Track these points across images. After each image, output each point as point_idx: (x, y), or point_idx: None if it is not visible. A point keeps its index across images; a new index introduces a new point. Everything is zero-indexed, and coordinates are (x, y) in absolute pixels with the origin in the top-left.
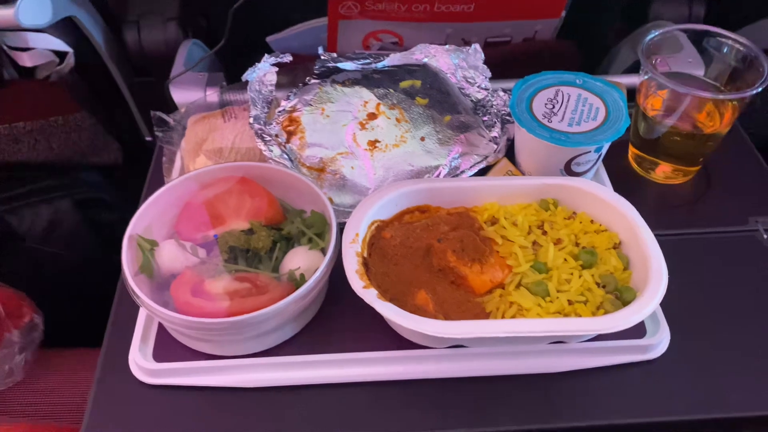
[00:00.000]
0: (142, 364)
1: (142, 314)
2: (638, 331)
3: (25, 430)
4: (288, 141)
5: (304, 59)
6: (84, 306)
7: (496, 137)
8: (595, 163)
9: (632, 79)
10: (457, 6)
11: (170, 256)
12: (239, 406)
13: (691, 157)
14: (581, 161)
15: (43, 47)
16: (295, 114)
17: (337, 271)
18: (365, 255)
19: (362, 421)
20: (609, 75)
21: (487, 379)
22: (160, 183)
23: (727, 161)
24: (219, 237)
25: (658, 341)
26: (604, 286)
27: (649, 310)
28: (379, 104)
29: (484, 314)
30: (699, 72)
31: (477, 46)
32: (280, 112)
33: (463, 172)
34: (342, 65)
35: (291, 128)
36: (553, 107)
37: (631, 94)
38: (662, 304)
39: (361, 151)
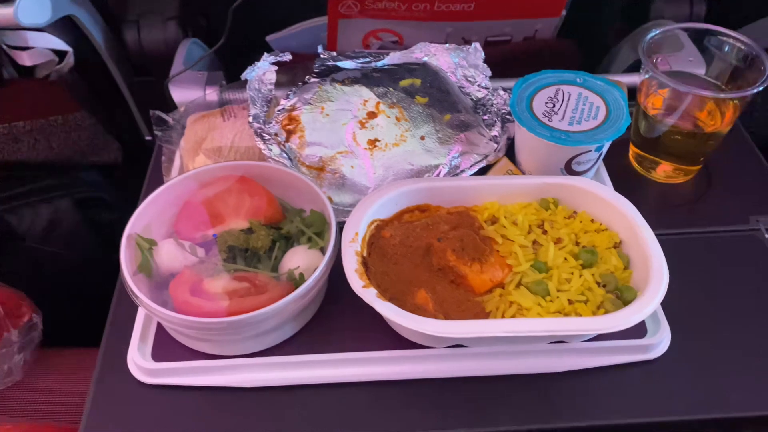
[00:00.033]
0: (141, 363)
1: (140, 314)
2: (639, 330)
3: (24, 430)
4: (287, 140)
5: (304, 58)
6: (83, 306)
7: (496, 136)
8: (596, 162)
9: (633, 78)
10: (458, 5)
11: (169, 255)
12: (238, 406)
13: (692, 156)
14: (582, 160)
15: (42, 46)
16: (294, 113)
17: (336, 270)
18: (365, 254)
19: (362, 421)
20: (610, 74)
21: (487, 379)
22: (160, 182)
23: (728, 160)
24: (218, 236)
25: (659, 341)
26: (604, 286)
27: (650, 310)
28: (378, 103)
29: (483, 314)
30: (700, 71)
31: (477, 45)
32: (279, 110)
33: (463, 171)
34: (342, 64)
35: (290, 127)
36: (554, 106)
37: (632, 93)
38: (663, 304)
39: (360, 150)
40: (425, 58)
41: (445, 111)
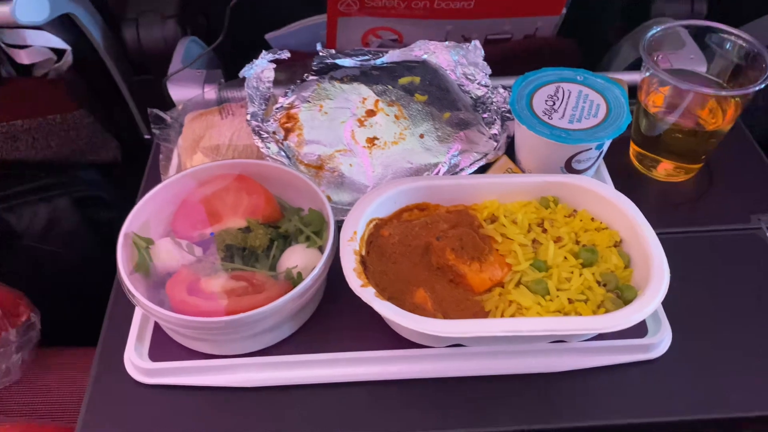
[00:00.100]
0: (138, 363)
1: (137, 313)
2: (639, 330)
3: (23, 430)
4: (286, 138)
5: (303, 56)
6: (82, 305)
7: (495, 134)
8: (596, 160)
9: (633, 76)
10: (457, 3)
11: (166, 254)
12: (236, 406)
13: (693, 154)
14: (582, 158)
15: (40, 44)
16: (292, 111)
17: (334, 269)
18: (363, 253)
19: (361, 421)
20: (610, 72)
21: (487, 379)
22: (157, 180)
23: (730, 158)
24: (216, 235)
25: (660, 340)
26: (604, 285)
27: (651, 309)
28: (377, 101)
29: (483, 313)
30: (701, 68)
31: (477, 43)
32: (277, 109)
33: (462, 169)
34: (340, 62)
35: (289, 125)
36: (554, 104)
37: (633, 91)
38: (663, 303)
39: (359, 148)
40: (425, 56)
41: (445, 109)
